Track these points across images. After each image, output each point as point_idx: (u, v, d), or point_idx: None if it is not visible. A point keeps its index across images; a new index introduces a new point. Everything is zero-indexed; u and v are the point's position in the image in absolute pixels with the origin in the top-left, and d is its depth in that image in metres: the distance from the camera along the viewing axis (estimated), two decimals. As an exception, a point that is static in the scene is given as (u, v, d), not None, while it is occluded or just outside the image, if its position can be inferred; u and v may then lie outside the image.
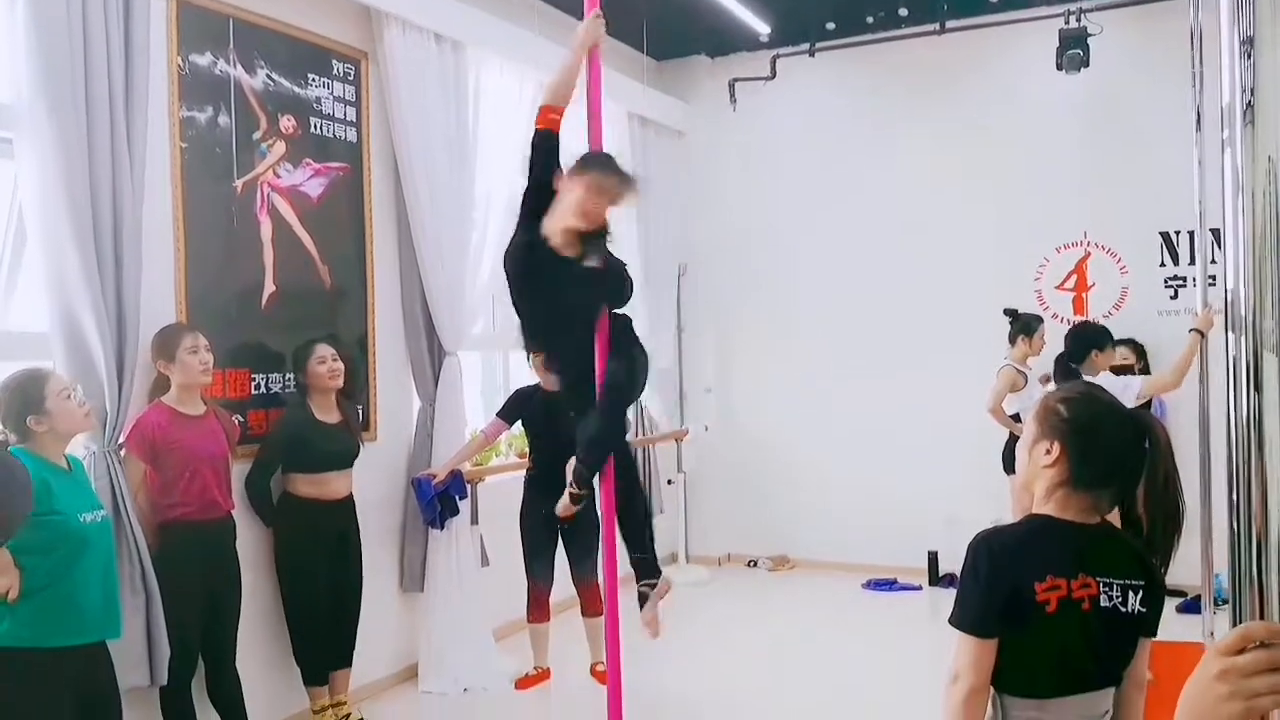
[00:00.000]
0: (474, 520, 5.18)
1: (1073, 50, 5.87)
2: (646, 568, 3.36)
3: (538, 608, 5.03)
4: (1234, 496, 0.95)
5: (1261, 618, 0.93)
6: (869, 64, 7.12)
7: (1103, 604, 1.85)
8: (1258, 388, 0.94)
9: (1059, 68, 6.03)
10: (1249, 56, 0.97)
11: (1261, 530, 0.94)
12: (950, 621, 1.92)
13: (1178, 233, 6.33)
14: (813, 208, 7.32)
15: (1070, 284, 6.67)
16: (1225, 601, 4.28)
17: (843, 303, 7.21)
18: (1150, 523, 1.88)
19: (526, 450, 5.23)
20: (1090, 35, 5.93)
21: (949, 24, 6.69)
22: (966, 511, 5.58)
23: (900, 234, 7.01)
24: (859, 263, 7.15)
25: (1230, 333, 0.97)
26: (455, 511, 4.97)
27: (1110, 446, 1.89)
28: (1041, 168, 6.64)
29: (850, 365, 7.16)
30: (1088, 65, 5.95)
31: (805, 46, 7.09)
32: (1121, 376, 4.86)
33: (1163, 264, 6.44)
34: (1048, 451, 1.92)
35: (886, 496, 6.97)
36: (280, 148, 4.45)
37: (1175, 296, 6.40)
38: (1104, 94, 6.29)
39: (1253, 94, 0.97)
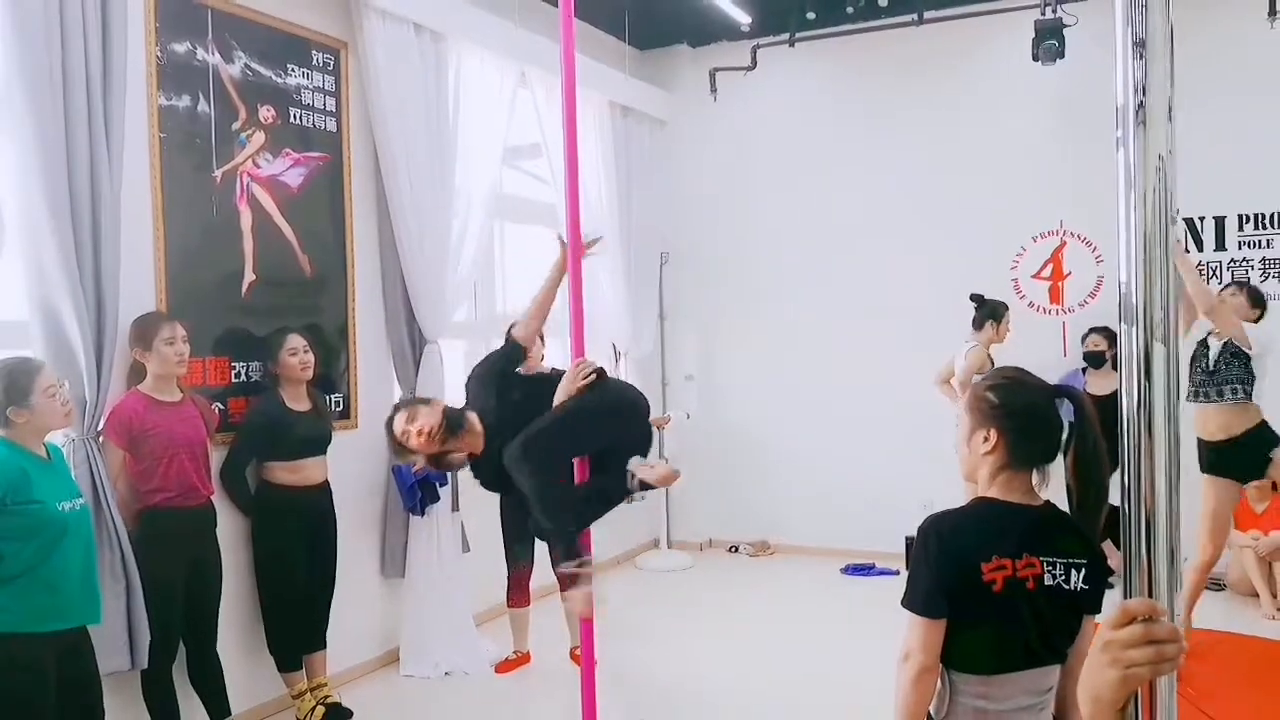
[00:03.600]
0: (454, 507, 5.23)
1: (1048, 41, 5.92)
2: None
3: (518, 593, 5.09)
4: (1124, 479, 1.00)
5: (1150, 593, 0.99)
6: (849, 54, 7.17)
7: (1047, 583, 1.91)
8: (1148, 375, 1.00)
9: (1035, 59, 6.08)
10: (1141, 58, 1.01)
11: (1150, 511, 0.99)
12: (901, 602, 1.98)
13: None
14: (793, 197, 7.37)
15: (1046, 273, 6.74)
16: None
17: (822, 291, 7.28)
18: (1081, 491, 1.94)
19: (507, 438, 5.27)
20: (1066, 26, 5.98)
21: (927, 15, 6.74)
22: (943, 497, 5.60)
23: (879, 223, 7.08)
24: (838, 251, 7.22)
25: (1123, 324, 1.02)
26: (436, 498, 5.02)
27: (1043, 426, 1.96)
28: (1018, 157, 6.70)
29: (830, 353, 7.24)
30: (1063, 56, 6.00)
31: (785, 36, 7.12)
32: None
33: (1138, 253, 6.50)
34: (986, 439, 1.98)
35: (865, 483, 7.06)
36: (260, 137, 4.48)
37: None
38: (1079, 84, 6.34)
39: (1144, 95, 1.01)
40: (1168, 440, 0.99)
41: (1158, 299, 1.00)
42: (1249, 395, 4.58)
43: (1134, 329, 1.00)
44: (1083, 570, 1.93)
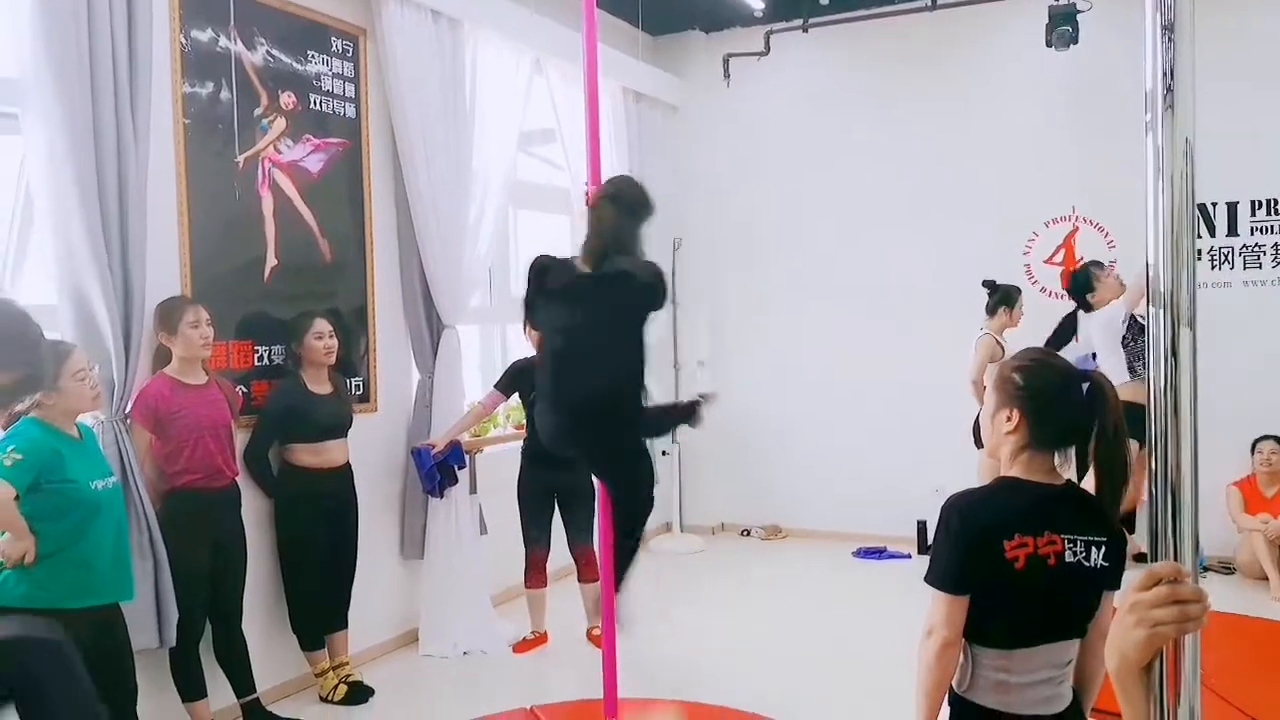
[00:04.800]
0: (473, 489, 5.29)
1: (1062, 27, 5.94)
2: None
3: (535, 574, 5.15)
4: (1151, 458, 1.05)
5: (1175, 558, 1.04)
6: (861, 40, 7.18)
7: (1068, 559, 1.96)
8: (1174, 357, 1.04)
9: (1048, 44, 6.09)
10: (1170, 42, 1.04)
11: (1176, 485, 1.04)
12: (926, 579, 2.03)
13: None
14: (805, 183, 7.40)
15: (1059, 258, 6.76)
16: (1205, 569, 4.45)
17: (834, 276, 7.31)
18: (1100, 474, 1.97)
19: (524, 421, 5.34)
20: (1079, 12, 6.00)
21: (940, 0, 6.75)
22: (954, 482, 5.61)
23: (891, 208, 7.11)
24: (850, 237, 7.25)
25: (1151, 307, 1.06)
26: (454, 481, 5.08)
27: (1065, 408, 2.00)
28: (1031, 143, 6.72)
29: (841, 338, 7.28)
30: (1076, 42, 6.02)
31: (798, 22, 7.14)
32: None
33: (1150, 238, 6.53)
34: (1009, 419, 2.03)
35: (876, 467, 7.11)
36: (281, 123, 4.53)
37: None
38: (1092, 70, 6.36)
39: (1172, 79, 1.04)
40: (1193, 420, 1.04)
41: (1185, 282, 1.04)
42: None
43: (1162, 312, 1.04)
44: (1103, 548, 1.97)
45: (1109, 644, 1.06)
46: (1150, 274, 1.06)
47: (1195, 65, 1.04)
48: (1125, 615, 1.02)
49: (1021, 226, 6.82)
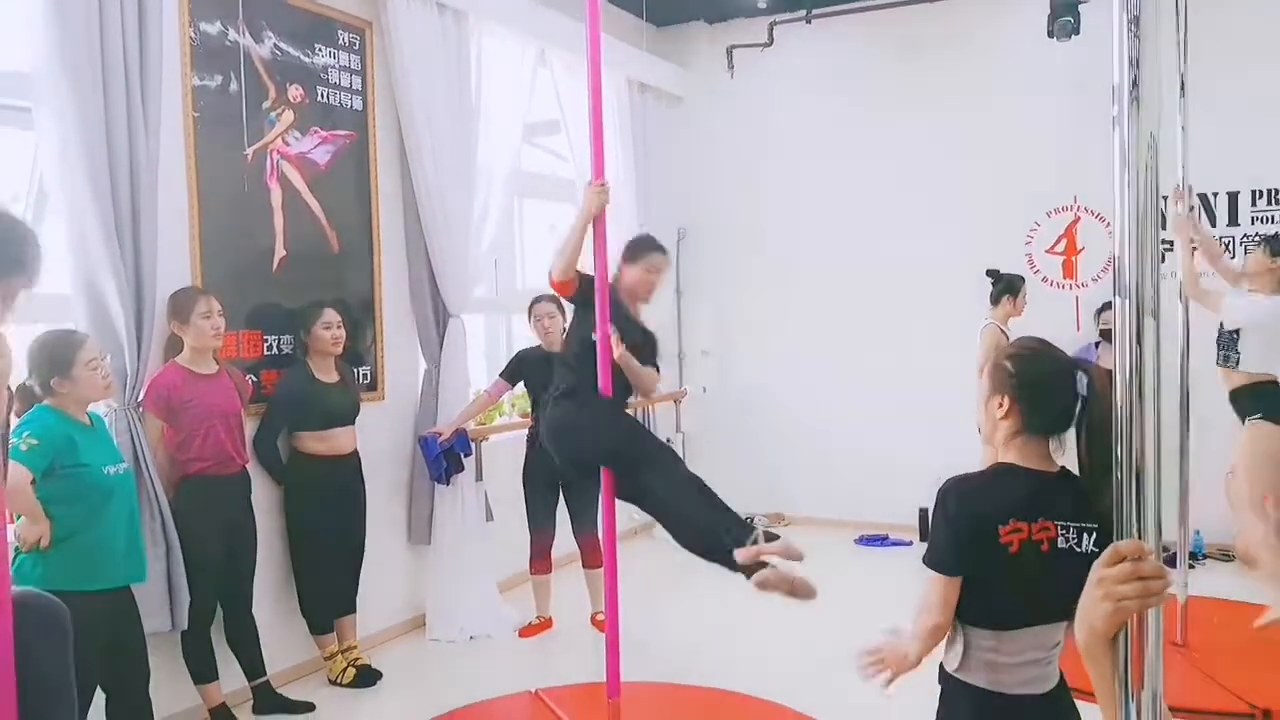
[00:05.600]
0: (478, 477, 5.36)
1: (1063, 18, 5.94)
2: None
3: (540, 560, 5.22)
4: (1117, 442, 1.10)
5: (1139, 537, 1.09)
6: (864, 30, 7.21)
7: (1060, 545, 2.01)
8: (1139, 343, 1.09)
9: (1050, 35, 6.11)
10: (1135, 36, 1.06)
11: (1140, 467, 1.09)
12: (923, 561, 2.09)
13: (1165, 197, 6.44)
14: (808, 173, 7.44)
15: (1060, 248, 6.80)
16: (1204, 556, 4.46)
17: (837, 266, 7.35)
18: (1091, 463, 2.01)
19: (529, 410, 5.40)
20: (1080, 3, 6.00)
21: (943, -10, 6.78)
22: (955, 470, 5.72)
23: (894, 198, 7.14)
24: (854, 227, 7.29)
25: (1117, 298, 1.10)
26: (460, 468, 5.15)
27: (1055, 395, 2.04)
28: (1033, 133, 6.74)
29: (844, 327, 7.33)
30: (1078, 33, 6.02)
31: (802, 13, 7.16)
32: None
33: (1151, 228, 6.55)
34: (1000, 405, 2.08)
35: (879, 455, 7.15)
36: (289, 116, 4.58)
37: (1163, 260, 6.50)
38: (1093, 60, 6.36)
39: (1138, 71, 1.07)
40: (1155, 405, 1.09)
41: (1149, 274, 1.08)
42: (1234, 362, 4.93)
43: (1127, 301, 1.08)
44: (1093, 534, 2.01)
45: (1078, 617, 1.12)
46: (1116, 265, 1.10)
47: (1168, 58, 1.08)
48: (1093, 589, 1.08)
49: (1023, 216, 6.85)
